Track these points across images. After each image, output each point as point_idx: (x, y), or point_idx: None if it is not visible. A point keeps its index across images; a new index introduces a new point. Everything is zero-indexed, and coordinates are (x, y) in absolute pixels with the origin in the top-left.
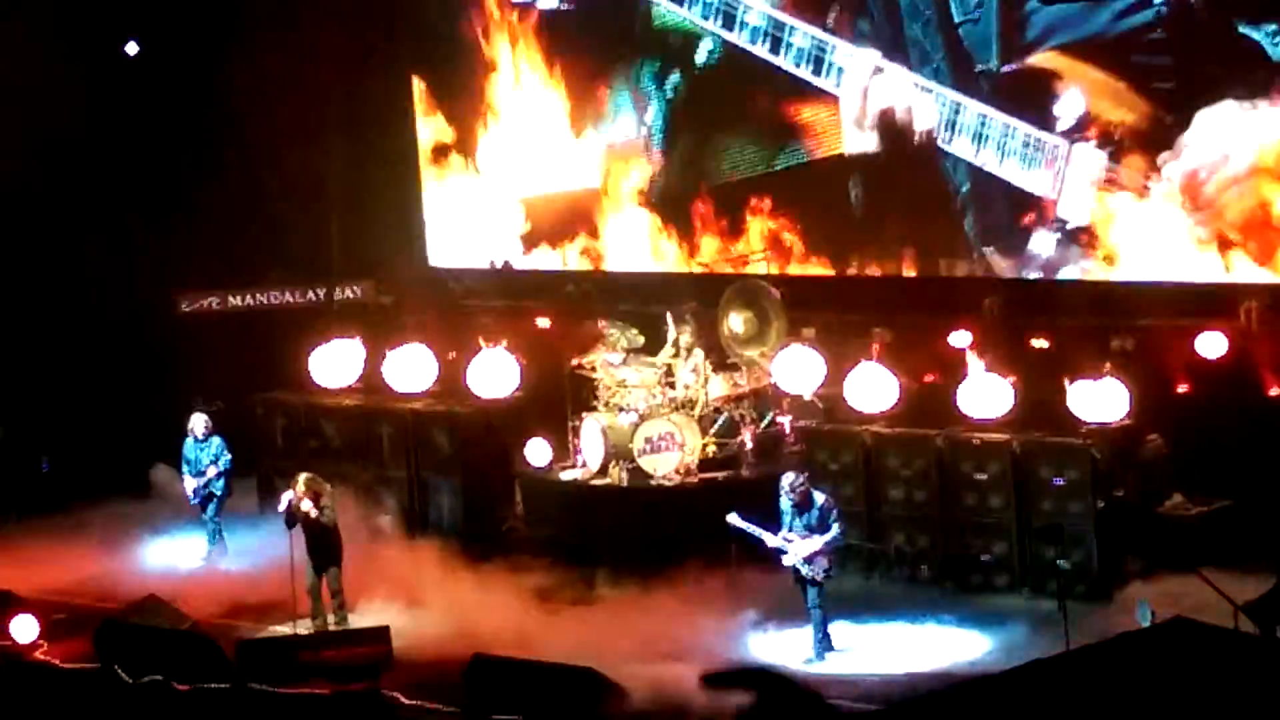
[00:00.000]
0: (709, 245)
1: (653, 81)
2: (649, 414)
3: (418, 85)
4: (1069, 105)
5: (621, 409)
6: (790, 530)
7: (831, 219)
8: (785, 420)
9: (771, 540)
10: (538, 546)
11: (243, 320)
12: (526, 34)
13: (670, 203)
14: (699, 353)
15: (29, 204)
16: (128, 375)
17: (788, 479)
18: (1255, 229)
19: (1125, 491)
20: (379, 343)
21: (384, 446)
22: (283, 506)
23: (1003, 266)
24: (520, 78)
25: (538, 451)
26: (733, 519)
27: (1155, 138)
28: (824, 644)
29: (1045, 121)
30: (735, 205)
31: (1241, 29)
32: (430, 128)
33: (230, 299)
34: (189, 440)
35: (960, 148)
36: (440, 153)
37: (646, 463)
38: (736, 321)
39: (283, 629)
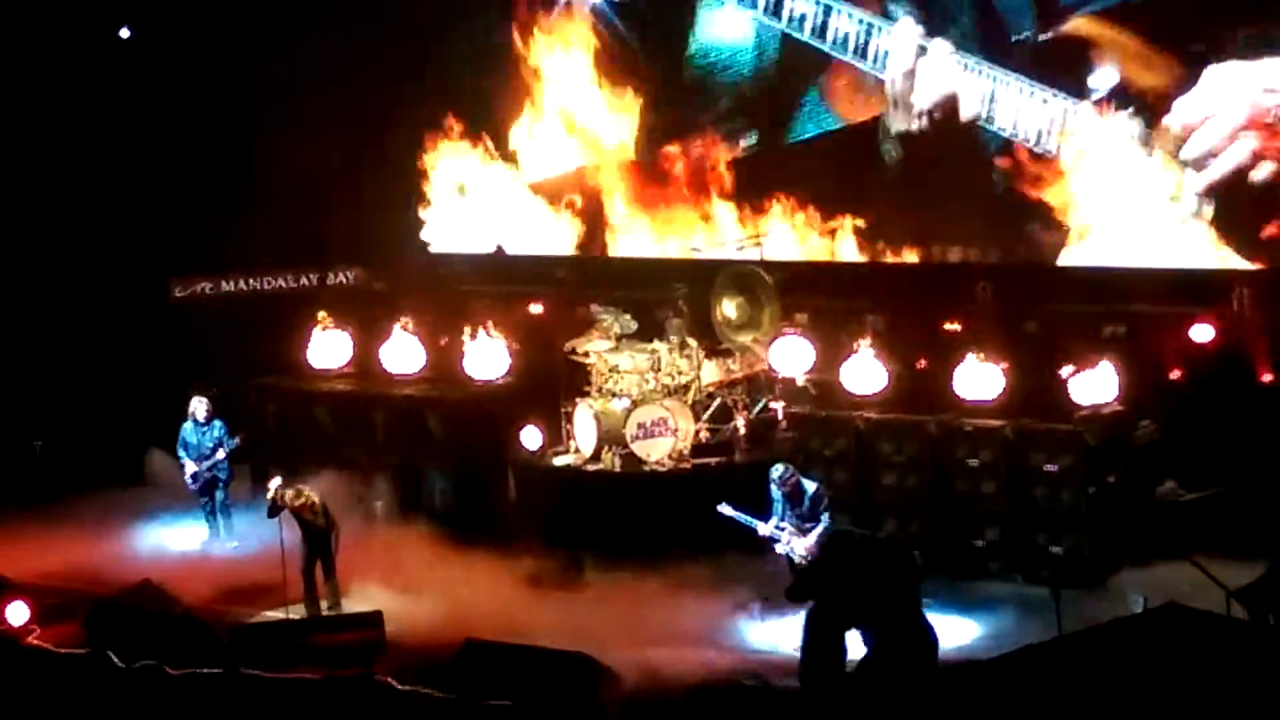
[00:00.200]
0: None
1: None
2: (642, 399)
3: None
4: (1103, 73)
5: (614, 394)
6: (782, 519)
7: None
8: (778, 406)
9: (763, 529)
10: (530, 531)
11: (236, 305)
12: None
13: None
14: (691, 339)
15: (22, 190)
16: (121, 360)
17: (776, 471)
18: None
19: (1118, 478)
20: (372, 328)
21: (377, 432)
22: (269, 495)
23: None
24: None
25: (531, 437)
26: (724, 508)
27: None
28: None
29: (1080, 90)
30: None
31: None
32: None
33: (224, 284)
34: (188, 424)
35: (1002, 122)
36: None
37: (639, 448)
38: (729, 307)
39: (276, 614)
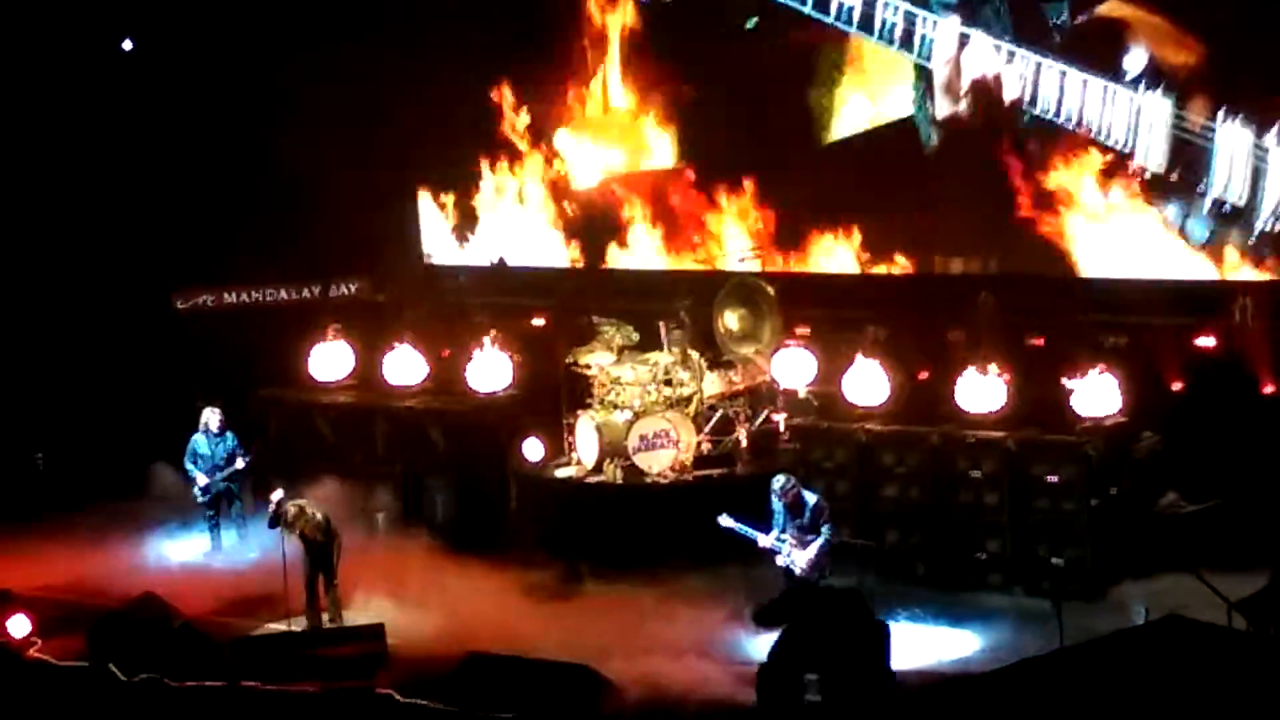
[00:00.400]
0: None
1: None
2: (644, 411)
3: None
4: (1136, 54)
5: (616, 406)
6: (783, 531)
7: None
8: (780, 417)
9: (764, 541)
10: (532, 543)
11: (238, 317)
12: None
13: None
14: (693, 351)
15: (24, 202)
16: (123, 373)
17: (778, 482)
18: None
19: (1120, 489)
20: (374, 339)
21: (379, 443)
22: (271, 508)
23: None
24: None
25: (533, 449)
26: (724, 520)
27: (1216, 78)
28: None
29: (1115, 73)
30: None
31: None
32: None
33: (226, 296)
34: (200, 436)
35: (1044, 107)
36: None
37: (641, 460)
38: (731, 319)
39: (277, 626)
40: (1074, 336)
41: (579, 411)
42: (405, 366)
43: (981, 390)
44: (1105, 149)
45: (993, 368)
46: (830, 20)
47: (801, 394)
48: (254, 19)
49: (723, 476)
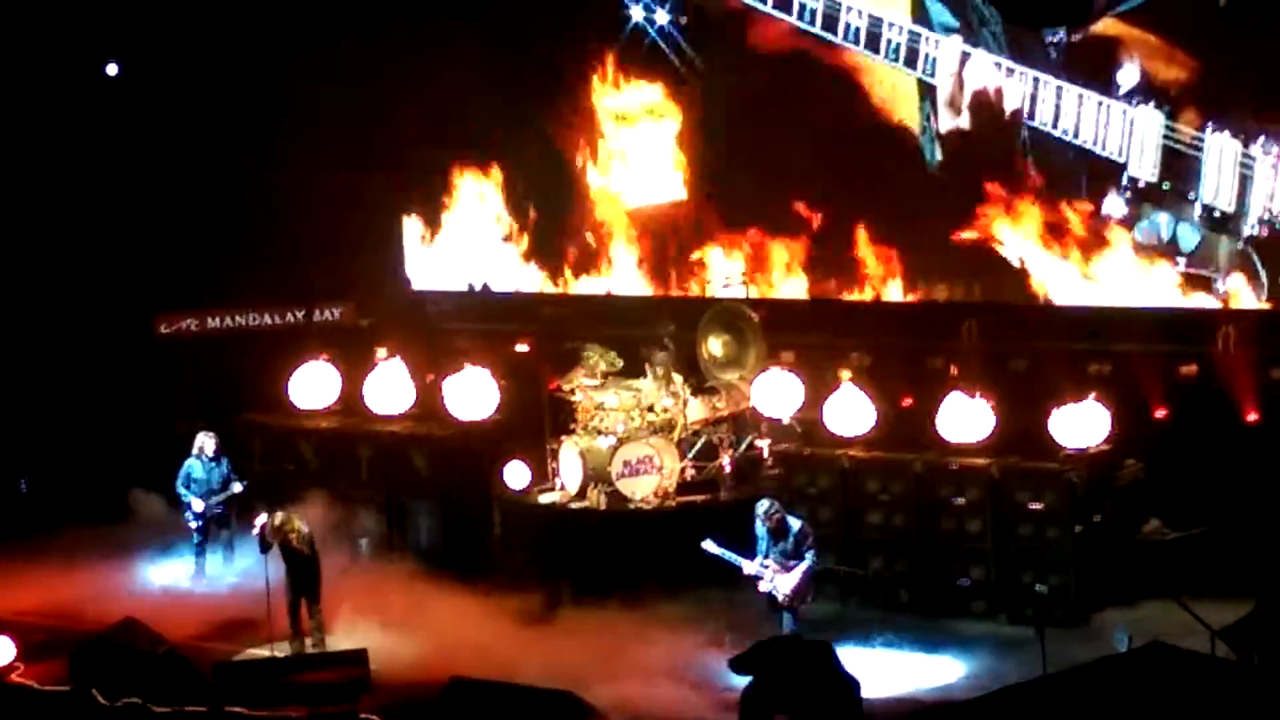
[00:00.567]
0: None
1: None
2: (627, 437)
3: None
4: (1129, 70)
5: (600, 432)
6: (766, 557)
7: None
8: (764, 444)
9: (748, 567)
10: (516, 569)
11: (222, 342)
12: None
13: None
14: (677, 377)
15: (7, 225)
16: (106, 397)
17: (762, 506)
18: None
19: (1103, 517)
20: (357, 365)
21: (362, 468)
22: (256, 531)
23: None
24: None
25: (516, 474)
26: (708, 545)
27: (1205, 92)
28: None
29: (1109, 88)
30: None
31: None
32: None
33: (209, 321)
34: (195, 461)
35: (1041, 120)
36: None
37: (625, 486)
38: (715, 345)
39: (260, 651)
40: (1058, 364)
41: (563, 437)
42: (388, 392)
43: (965, 417)
44: (1101, 159)
45: (977, 395)
46: (838, 40)
47: (786, 420)
48: (240, 44)
49: (706, 502)
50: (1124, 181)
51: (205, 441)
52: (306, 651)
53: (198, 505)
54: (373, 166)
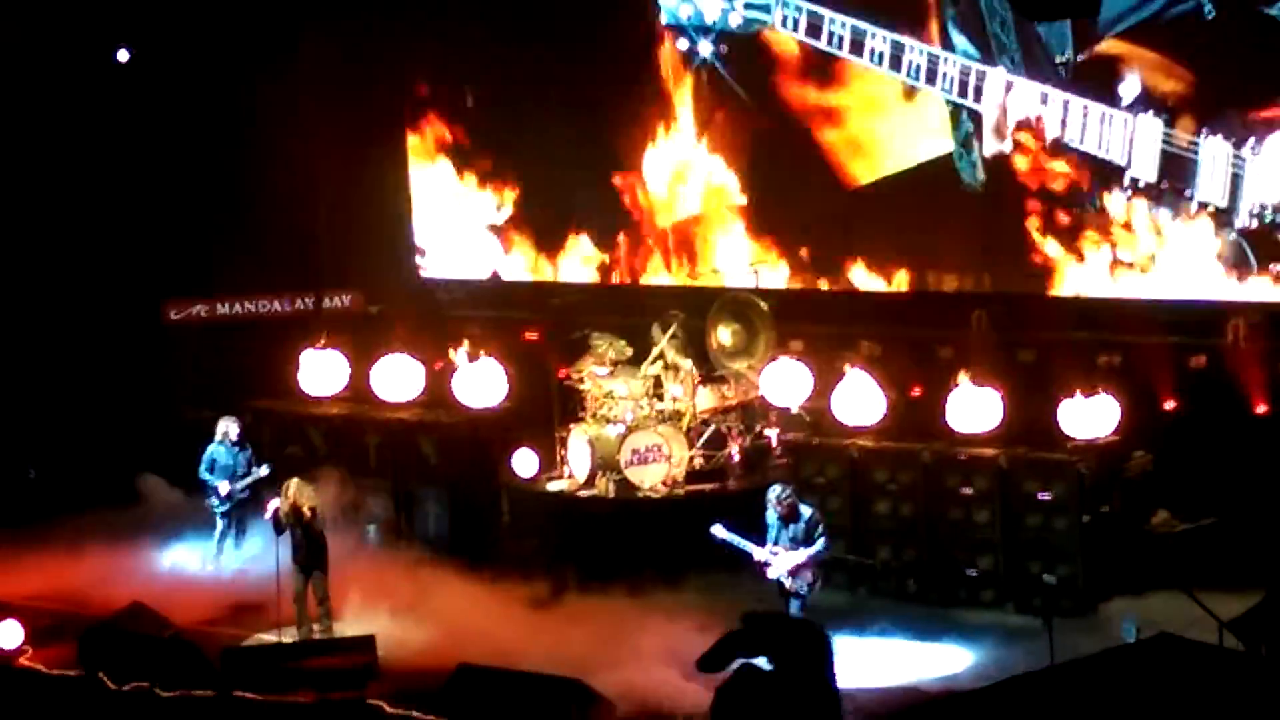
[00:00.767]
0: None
1: None
2: (636, 425)
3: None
4: (1130, 83)
5: (609, 420)
6: (776, 543)
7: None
8: (772, 433)
9: (758, 553)
10: (524, 556)
11: (230, 329)
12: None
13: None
14: (686, 363)
15: (16, 212)
16: (115, 383)
17: (774, 491)
18: None
19: (1111, 507)
20: (366, 352)
21: (370, 456)
22: (269, 514)
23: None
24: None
25: (525, 462)
26: (718, 530)
27: (1200, 101)
28: None
29: (1113, 99)
30: None
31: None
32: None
33: (218, 307)
34: (219, 446)
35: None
36: None
37: (633, 474)
38: (724, 334)
39: (268, 637)
40: (1067, 355)
41: (571, 425)
42: (397, 379)
43: (974, 407)
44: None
45: (985, 385)
46: (901, 76)
47: (794, 410)
48: (251, 29)
49: (714, 491)
50: (1126, 181)
51: (229, 426)
52: (314, 637)
53: (225, 488)
54: (384, 152)
